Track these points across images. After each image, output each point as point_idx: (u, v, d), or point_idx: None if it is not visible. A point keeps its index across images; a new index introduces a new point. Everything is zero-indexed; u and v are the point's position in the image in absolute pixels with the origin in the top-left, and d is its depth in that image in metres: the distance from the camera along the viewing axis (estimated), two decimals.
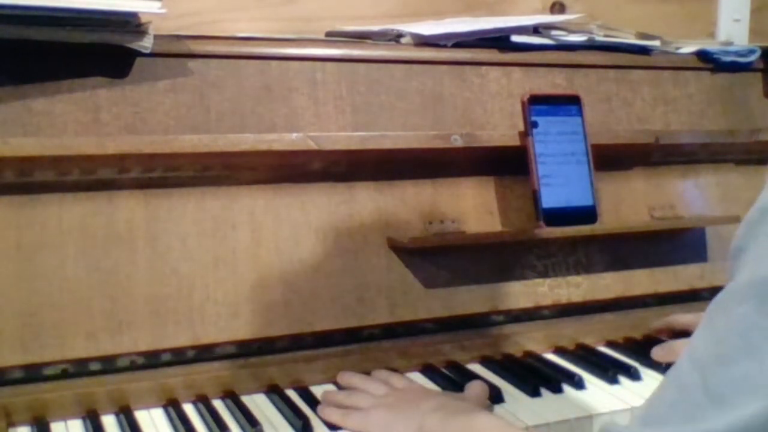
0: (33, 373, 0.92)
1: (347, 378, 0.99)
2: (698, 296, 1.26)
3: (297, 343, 1.03)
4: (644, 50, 1.30)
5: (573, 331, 1.15)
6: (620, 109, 1.26)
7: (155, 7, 0.92)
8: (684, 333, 1.10)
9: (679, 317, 1.14)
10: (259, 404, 0.96)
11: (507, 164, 1.15)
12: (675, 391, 0.56)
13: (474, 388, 0.94)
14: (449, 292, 1.10)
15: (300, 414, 0.91)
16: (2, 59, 0.92)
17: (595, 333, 1.17)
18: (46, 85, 0.95)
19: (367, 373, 1.03)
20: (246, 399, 0.96)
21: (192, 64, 1.01)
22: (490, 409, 0.92)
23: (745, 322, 0.53)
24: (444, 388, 0.99)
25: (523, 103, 1.14)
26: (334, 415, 0.90)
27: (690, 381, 0.55)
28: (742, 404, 0.51)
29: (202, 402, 0.94)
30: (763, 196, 0.56)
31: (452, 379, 1.02)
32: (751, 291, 0.53)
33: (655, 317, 1.21)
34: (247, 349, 1.01)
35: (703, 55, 1.33)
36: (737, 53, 1.34)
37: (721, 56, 1.32)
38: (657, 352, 1.07)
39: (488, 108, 1.17)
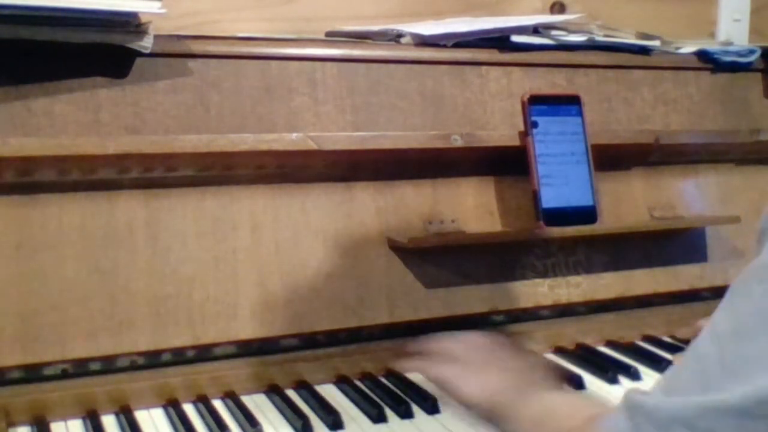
0: (33, 373, 0.92)
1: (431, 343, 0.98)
2: (698, 296, 1.26)
3: (297, 343, 1.03)
4: (644, 50, 1.30)
5: (573, 331, 1.16)
6: (620, 109, 1.26)
7: (155, 7, 0.92)
8: None
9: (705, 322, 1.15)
10: (259, 404, 0.96)
11: (507, 164, 1.15)
12: (694, 363, 0.58)
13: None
14: (449, 292, 1.10)
15: (300, 414, 0.91)
16: (2, 59, 0.92)
17: (595, 333, 1.17)
18: (46, 85, 0.95)
19: (368, 372, 1.03)
20: (246, 399, 0.96)
21: (192, 64, 1.01)
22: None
23: (764, 299, 0.55)
24: None
25: (523, 103, 1.14)
26: (412, 363, 0.92)
27: (708, 354, 0.57)
28: (757, 377, 0.53)
29: (202, 402, 0.94)
30: None
31: None
32: None
33: (655, 317, 1.21)
34: (247, 349, 1.01)
35: (703, 55, 1.33)
36: (737, 53, 1.34)
37: (721, 56, 1.32)
38: (682, 331, 1.11)
39: (488, 108, 1.17)
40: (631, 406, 0.60)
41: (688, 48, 1.35)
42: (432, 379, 0.90)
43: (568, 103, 1.16)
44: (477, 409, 0.85)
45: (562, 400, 0.80)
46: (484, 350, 0.94)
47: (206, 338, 0.98)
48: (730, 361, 0.55)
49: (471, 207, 1.14)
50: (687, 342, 1.14)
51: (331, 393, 0.99)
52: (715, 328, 0.58)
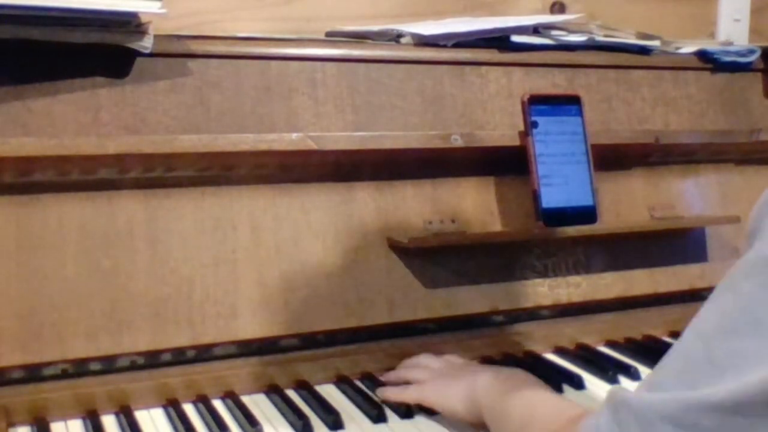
0: (33, 373, 0.92)
1: (407, 361, 1.02)
2: (698, 296, 1.26)
3: (297, 343, 1.03)
4: (644, 50, 1.30)
5: (573, 331, 1.16)
6: (620, 109, 1.26)
7: (155, 7, 0.92)
8: None
9: None
10: (259, 404, 0.96)
11: (507, 164, 1.15)
12: (680, 360, 0.58)
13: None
14: (449, 292, 1.10)
15: (300, 414, 0.91)
16: (2, 59, 0.92)
17: (595, 333, 1.17)
18: (46, 85, 0.95)
19: (368, 373, 1.03)
20: (246, 399, 0.96)
21: (192, 64, 1.01)
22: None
23: (750, 296, 0.55)
24: None
25: (523, 103, 1.14)
26: (392, 392, 0.94)
27: (694, 350, 0.57)
28: (743, 374, 0.53)
29: (202, 402, 0.94)
30: None
31: None
32: (757, 267, 0.55)
33: (655, 317, 1.21)
34: (247, 349, 1.01)
35: (703, 55, 1.33)
36: (737, 53, 1.33)
37: (721, 56, 1.32)
38: None
39: (488, 108, 1.17)
40: (616, 403, 0.60)
41: (688, 48, 1.35)
42: (415, 402, 0.92)
43: (568, 103, 1.16)
44: (466, 418, 0.86)
45: (546, 400, 0.80)
46: (459, 364, 0.98)
47: (206, 338, 0.98)
48: (717, 357, 0.55)
49: (471, 207, 1.14)
50: None
51: (331, 393, 0.99)
52: (700, 325, 0.58)
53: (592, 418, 0.62)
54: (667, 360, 0.60)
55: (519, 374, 0.89)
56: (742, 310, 0.55)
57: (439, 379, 0.93)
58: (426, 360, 1.01)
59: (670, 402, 0.56)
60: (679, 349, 0.59)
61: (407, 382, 0.96)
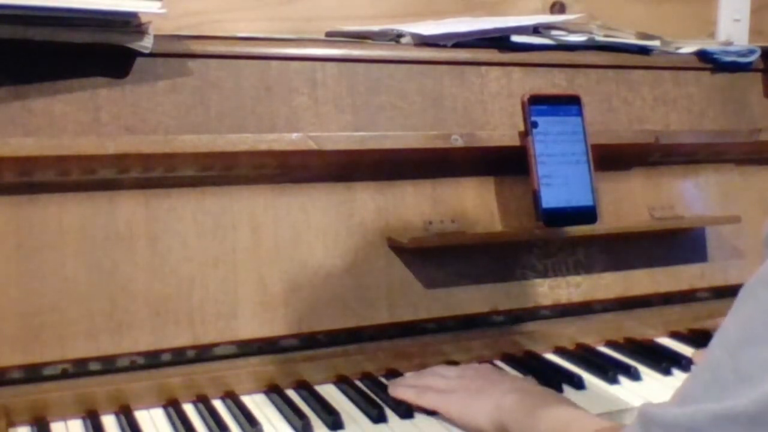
0: (33, 373, 0.92)
1: (421, 372, 1.01)
2: (698, 296, 1.26)
3: (297, 343, 1.03)
4: (644, 50, 1.30)
5: (573, 331, 1.16)
6: (620, 109, 1.26)
7: (155, 7, 0.92)
8: None
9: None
10: (259, 404, 0.96)
11: (507, 164, 1.15)
12: (706, 372, 0.59)
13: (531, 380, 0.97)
14: (449, 292, 1.10)
15: (300, 414, 0.91)
16: (2, 59, 0.92)
17: (595, 333, 1.17)
18: (46, 85, 0.95)
19: (368, 373, 1.03)
20: (246, 399, 0.96)
21: (192, 64, 1.01)
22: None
23: None
24: None
25: (523, 103, 1.14)
26: (409, 392, 0.92)
27: (720, 362, 0.57)
28: (766, 382, 0.53)
29: (202, 402, 0.94)
30: None
31: None
32: None
33: (655, 317, 1.21)
34: (247, 349, 1.01)
35: (703, 55, 1.33)
36: (737, 53, 1.33)
37: (721, 56, 1.32)
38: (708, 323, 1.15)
39: (488, 108, 1.17)
40: (646, 419, 0.60)
41: (688, 48, 1.35)
42: (432, 408, 0.91)
43: (568, 103, 1.16)
44: None
45: (577, 419, 0.80)
46: (479, 375, 0.96)
47: (206, 338, 0.98)
48: (741, 367, 0.55)
49: (471, 207, 1.14)
50: (698, 338, 1.15)
51: (331, 393, 0.99)
52: (725, 336, 0.58)
53: None
54: (696, 372, 0.60)
55: (545, 392, 0.89)
56: (763, 319, 0.55)
57: (462, 391, 0.91)
58: (440, 369, 0.99)
59: (698, 414, 0.56)
60: (707, 361, 0.59)
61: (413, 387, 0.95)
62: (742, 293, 0.59)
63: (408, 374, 1.02)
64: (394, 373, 1.03)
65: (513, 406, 0.84)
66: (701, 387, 0.58)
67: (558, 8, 1.51)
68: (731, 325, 0.58)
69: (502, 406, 0.85)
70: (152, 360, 0.97)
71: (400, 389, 0.94)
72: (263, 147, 1.00)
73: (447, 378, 0.95)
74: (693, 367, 0.62)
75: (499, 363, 1.08)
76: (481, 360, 1.08)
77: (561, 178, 1.13)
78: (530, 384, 0.91)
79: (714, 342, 0.59)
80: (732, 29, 1.57)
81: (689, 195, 1.30)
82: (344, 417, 0.91)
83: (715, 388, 0.57)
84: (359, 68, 1.10)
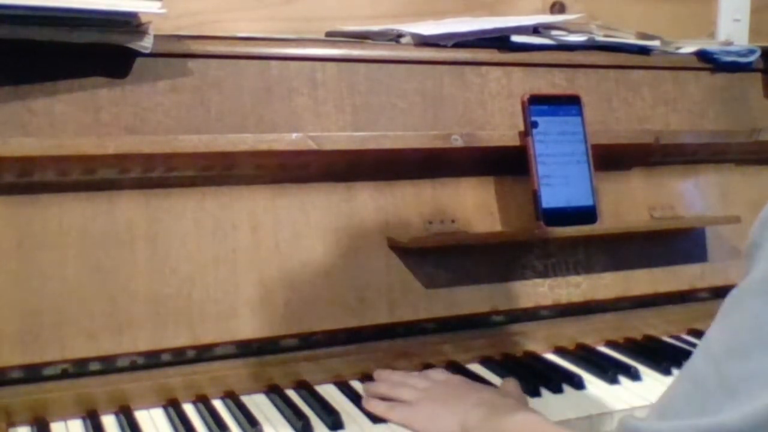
0: (33, 373, 0.92)
1: (385, 374, 1.00)
2: (698, 296, 1.26)
3: (297, 343, 1.03)
4: (644, 50, 1.30)
5: (573, 331, 1.16)
6: (620, 109, 1.26)
7: (155, 7, 0.92)
8: None
9: None
10: (259, 404, 0.96)
11: (507, 164, 1.15)
12: (689, 385, 0.57)
13: (509, 384, 0.95)
14: (449, 292, 1.10)
15: (300, 414, 0.91)
16: (2, 59, 0.92)
17: (595, 333, 1.17)
18: (46, 85, 0.95)
19: (368, 373, 1.03)
20: (246, 399, 0.96)
21: (192, 64, 1.01)
22: (527, 403, 0.93)
23: (758, 316, 0.53)
24: None
25: (523, 103, 1.14)
26: (380, 407, 0.92)
27: (704, 374, 0.55)
28: (755, 397, 0.52)
29: (202, 402, 0.94)
30: None
31: None
32: (764, 286, 0.54)
33: (655, 317, 1.21)
34: (247, 349, 1.01)
35: (703, 55, 1.33)
36: (737, 53, 1.33)
37: (721, 56, 1.32)
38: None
39: (488, 108, 1.17)
40: (626, 431, 0.58)
41: (688, 48, 1.35)
42: (399, 423, 0.90)
43: (568, 103, 1.16)
44: None
45: (540, 430, 0.80)
46: (448, 387, 0.95)
47: (206, 338, 0.98)
48: (727, 380, 0.53)
49: (471, 207, 1.14)
50: (698, 338, 1.15)
51: (331, 393, 0.99)
52: (708, 347, 0.56)
53: None
54: (677, 383, 0.58)
55: (512, 406, 0.87)
56: (751, 331, 0.53)
57: (428, 402, 0.90)
58: (409, 378, 0.98)
59: (681, 428, 0.54)
60: (689, 373, 0.57)
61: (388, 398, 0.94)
62: (726, 303, 0.57)
63: (383, 374, 1.00)
64: None
65: (478, 423, 0.84)
66: (683, 399, 0.56)
67: (558, 8, 1.51)
68: (716, 336, 0.56)
69: (467, 423, 0.84)
70: (152, 360, 0.96)
71: (372, 402, 0.93)
72: (263, 147, 1.00)
73: (417, 390, 0.94)
74: (674, 378, 0.60)
75: (498, 364, 1.08)
76: (482, 360, 1.08)
77: (561, 178, 1.13)
78: (498, 397, 0.89)
79: (697, 352, 0.57)
80: (732, 29, 1.57)
81: (689, 195, 1.30)
82: (344, 417, 0.91)
83: (698, 402, 0.55)
84: (359, 68, 1.10)
